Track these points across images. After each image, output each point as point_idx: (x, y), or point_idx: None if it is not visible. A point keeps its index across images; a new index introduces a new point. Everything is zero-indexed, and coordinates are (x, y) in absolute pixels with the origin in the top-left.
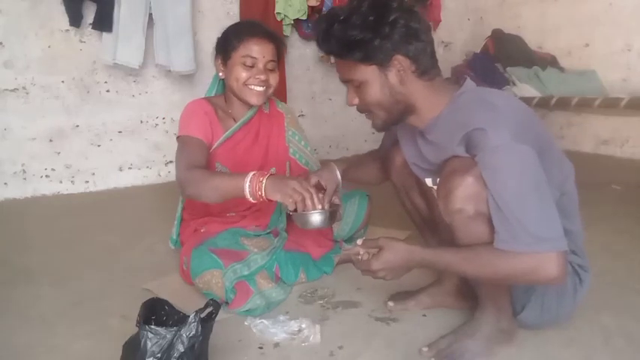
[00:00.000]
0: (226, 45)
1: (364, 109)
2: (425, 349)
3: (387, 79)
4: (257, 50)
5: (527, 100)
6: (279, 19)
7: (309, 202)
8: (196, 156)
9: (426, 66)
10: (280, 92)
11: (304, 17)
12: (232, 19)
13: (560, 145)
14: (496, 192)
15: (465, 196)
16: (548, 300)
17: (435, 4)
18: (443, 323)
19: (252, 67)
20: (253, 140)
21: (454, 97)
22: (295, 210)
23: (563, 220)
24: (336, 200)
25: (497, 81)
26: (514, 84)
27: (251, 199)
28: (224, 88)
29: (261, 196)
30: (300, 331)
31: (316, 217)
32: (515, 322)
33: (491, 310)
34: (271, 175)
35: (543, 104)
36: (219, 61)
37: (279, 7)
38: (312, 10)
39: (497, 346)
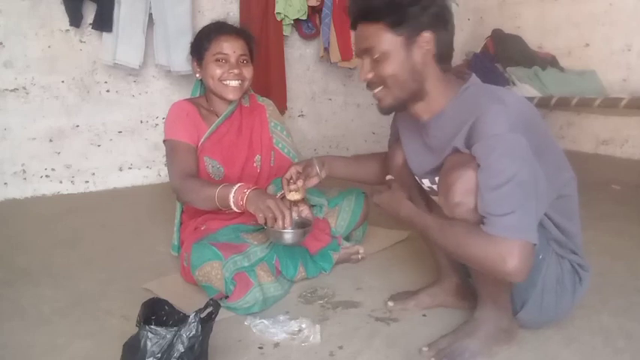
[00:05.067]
0: (199, 47)
1: (378, 83)
2: (425, 348)
3: (410, 55)
4: (227, 46)
5: None
6: (279, 19)
7: (279, 222)
8: (187, 162)
9: (446, 55)
10: (280, 92)
11: (304, 17)
12: (232, 19)
13: (560, 145)
14: (482, 174)
15: (464, 190)
16: (547, 298)
17: None
18: (443, 323)
19: (224, 63)
20: (237, 133)
21: (460, 91)
22: (266, 223)
23: (564, 221)
24: (308, 215)
25: (497, 81)
26: (514, 84)
27: (236, 210)
28: (205, 89)
29: (242, 205)
30: (300, 331)
31: (287, 236)
32: (515, 321)
33: (491, 310)
34: (255, 188)
35: (543, 104)
36: (195, 64)
37: (279, 7)
38: (312, 10)
39: (498, 346)
